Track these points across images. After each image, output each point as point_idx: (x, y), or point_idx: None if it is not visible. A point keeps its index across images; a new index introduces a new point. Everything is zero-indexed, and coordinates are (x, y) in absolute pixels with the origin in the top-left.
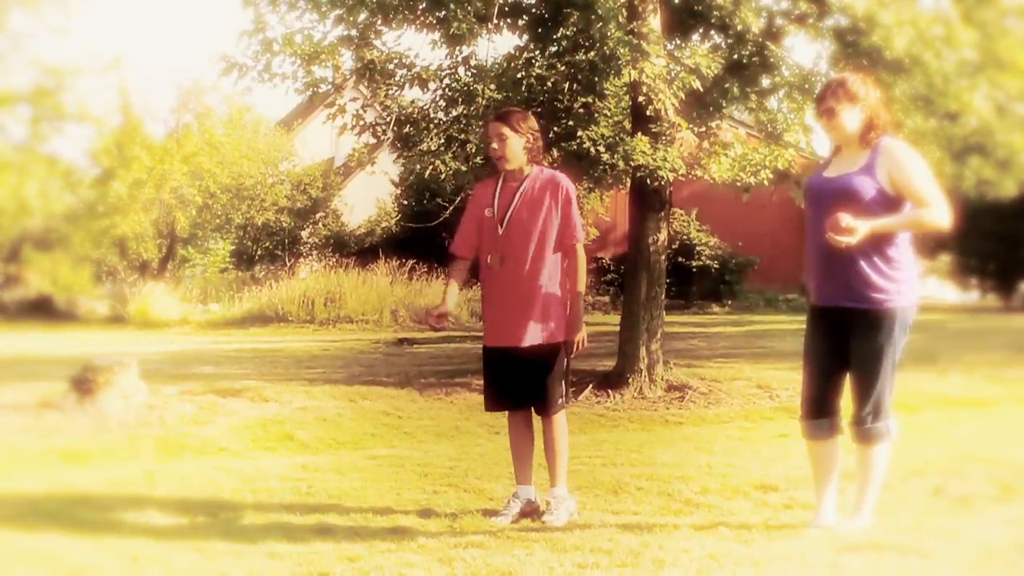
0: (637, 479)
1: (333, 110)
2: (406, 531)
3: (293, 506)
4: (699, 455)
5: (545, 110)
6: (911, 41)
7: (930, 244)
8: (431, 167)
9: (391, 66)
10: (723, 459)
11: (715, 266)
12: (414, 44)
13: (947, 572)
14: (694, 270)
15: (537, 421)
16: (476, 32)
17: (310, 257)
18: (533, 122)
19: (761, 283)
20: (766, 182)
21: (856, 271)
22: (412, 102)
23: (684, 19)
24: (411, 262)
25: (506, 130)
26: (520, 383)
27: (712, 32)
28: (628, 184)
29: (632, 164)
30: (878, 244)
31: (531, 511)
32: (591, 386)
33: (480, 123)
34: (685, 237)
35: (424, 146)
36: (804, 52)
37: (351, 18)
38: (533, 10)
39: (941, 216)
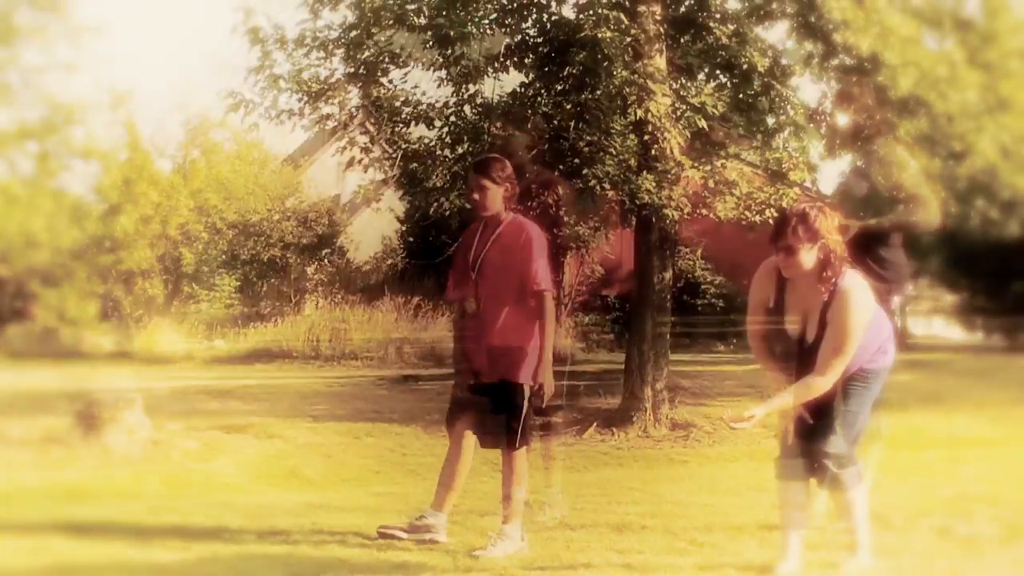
0: (641, 518)
1: (343, 142)
2: (410, 567)
3: (298, 542)
4: (704, 494)
5: (551, 148)
6: (916, 82)
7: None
8: (436, 204)
9: (397, 103)
10: (728, 498)
11: (720, 304)
12: (420, 81)
13: None
14: (699, 308)
15: (490, 455)
16: (482, 70)
17: (315, 293)
18: (510, 170)
19: None
20: (771, 221)
21: None
22: (419, 139)
23: (689, 58)
24: (416, 299)
25: (486, 181)
26: (481, 415)
27: (718, 71)
28: (633, 222)
29: (638, 203)
30: None
31: (421, 530)
32: (595, 424)
33: None
34: (690, 275)
35: (430, 183)
36: (810, 91)
37: (358, 56)
38: (539, 48)
39: (819, 387)
